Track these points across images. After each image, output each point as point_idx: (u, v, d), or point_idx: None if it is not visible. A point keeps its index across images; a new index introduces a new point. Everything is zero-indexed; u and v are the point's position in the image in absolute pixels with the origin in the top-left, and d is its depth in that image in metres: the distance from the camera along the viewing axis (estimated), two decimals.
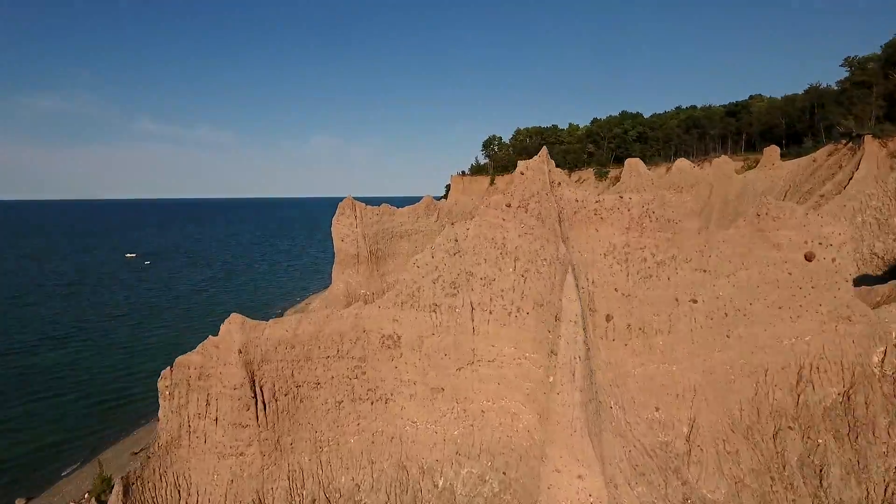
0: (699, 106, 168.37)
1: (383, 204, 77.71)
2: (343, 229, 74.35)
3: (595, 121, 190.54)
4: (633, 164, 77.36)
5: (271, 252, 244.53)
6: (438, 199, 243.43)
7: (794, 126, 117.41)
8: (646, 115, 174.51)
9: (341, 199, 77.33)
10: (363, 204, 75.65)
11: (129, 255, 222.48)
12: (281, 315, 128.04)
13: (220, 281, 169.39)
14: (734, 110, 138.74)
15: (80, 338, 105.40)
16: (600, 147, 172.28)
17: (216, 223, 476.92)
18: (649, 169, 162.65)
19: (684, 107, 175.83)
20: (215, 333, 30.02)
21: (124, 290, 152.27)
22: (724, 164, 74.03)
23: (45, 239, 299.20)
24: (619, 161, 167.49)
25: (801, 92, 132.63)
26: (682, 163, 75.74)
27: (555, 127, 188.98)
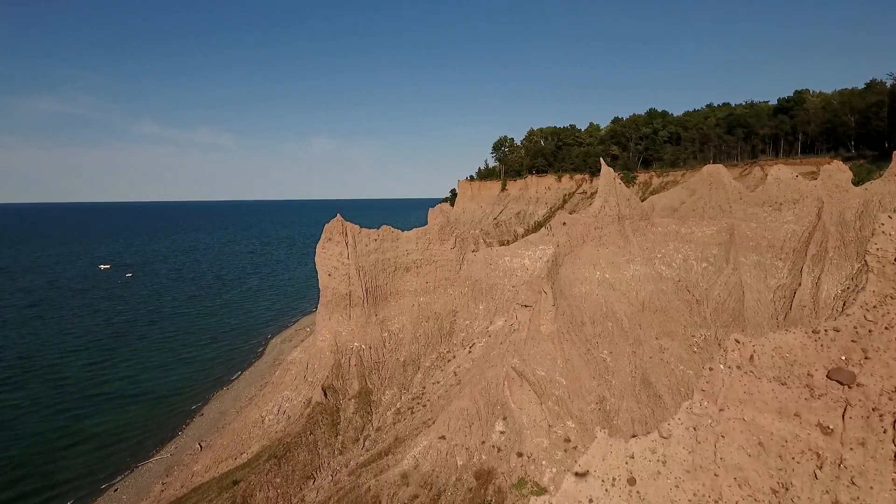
0: (735, 103, 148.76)
1: (384, 226, 57.80)
2: (330, 260, 54.65)
3: (617, 120, 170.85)
4: (714, 172, 57.49)
5: (266, 263, 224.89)
6: (441, 201, 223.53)
7: (868, 124, 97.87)
8: (674, 114, 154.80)
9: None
10: (356, 226, 55.82)
11: (102, 266, 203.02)
12: (263, 349, 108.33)
13: (207, 299, 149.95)
14: (785, 107, 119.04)
15: (21, 381, 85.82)
16: (626, 149, 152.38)
17: (213, 229, 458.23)
18: (676, 174, 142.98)
19: (716, 104, 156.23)
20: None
21: (92, 311, 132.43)
22: (837, 171, 54.44)
23: (25, 248, 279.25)
24: (647, 164, 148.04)
25: (861, 86, 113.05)
26: (780, 171, 56.04)
27: (572, 127, 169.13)
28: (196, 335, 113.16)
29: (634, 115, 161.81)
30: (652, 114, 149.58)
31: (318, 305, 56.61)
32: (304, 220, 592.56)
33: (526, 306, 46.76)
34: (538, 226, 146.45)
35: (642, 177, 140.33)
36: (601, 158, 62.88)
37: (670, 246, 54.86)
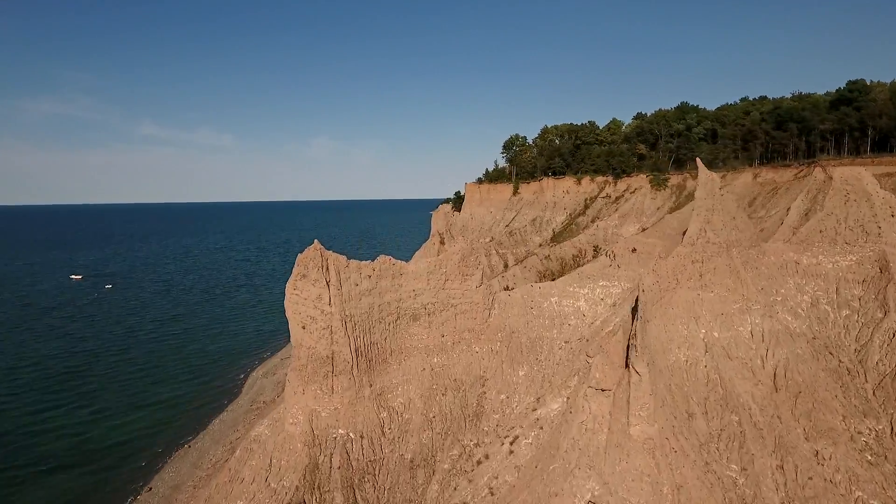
0: (772, 97, 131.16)
1: (381, 256, 40.51)
2: (305, 306, 37.55)
3: (641, 116, 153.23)
4: (853, 178, 39.59)
5: (259, 272, 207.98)
6: (443, 202, 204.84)
7: None
8: (704, 108, 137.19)
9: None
10: (342, 258, 38.54)
11: (74, 276, 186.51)
12: (243, 384, 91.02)
13: (191, 318, 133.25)
14: (847, 98, 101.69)
15: None
16: (654, 147, 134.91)
17: (208, 232, 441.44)
18: (719, 174, 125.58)
19: (751, 98, 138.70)
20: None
21: (54, 336, 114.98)
22: None
23: (4, 256, 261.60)
24: (680, 164, 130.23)
25: None
26: None
27: (591, 124, 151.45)
28: (171, 368, 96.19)
29: (661, 110, 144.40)
30: (683, 108, 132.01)
31: (289, 371, 39.32)
32: (302, 224, 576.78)
33: (602, 390, 29.54)
34: (558, 234, 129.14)
35: (674, 178, 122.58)
36: (697, 159, 45.63)
37: (790, 283, 37.74)
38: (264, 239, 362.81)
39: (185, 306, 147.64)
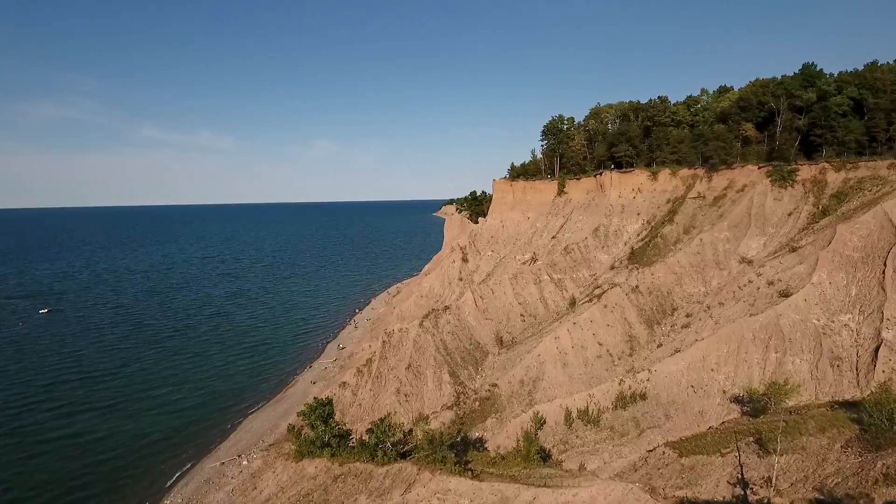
0: None
1: None
2: None
3: (724, 89, 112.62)
4: None
5: (239, 291, 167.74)
6: (446, 203, 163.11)
7: None
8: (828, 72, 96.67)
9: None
10: None
11: None
12: None
13: (133, 364, 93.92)
14: None
15: None
16: (764, 129, 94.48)
17: (198, 238, 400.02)
18: (875, 165, 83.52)
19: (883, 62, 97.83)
20: None
21: None
22: None
23: None
24: (811, 150, 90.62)
25: None
26: None
27: (663, 101, 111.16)
28: (65, 474, 56.72)
29: (758, 79, 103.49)
30: (810, 72, 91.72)
31: None
32: (300, 228, 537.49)
33: None
34: (638, 252, 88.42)
35: (806, 171, 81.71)
36: None
37: None
38: (256, 246, 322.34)
39: (130, 345, 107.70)
